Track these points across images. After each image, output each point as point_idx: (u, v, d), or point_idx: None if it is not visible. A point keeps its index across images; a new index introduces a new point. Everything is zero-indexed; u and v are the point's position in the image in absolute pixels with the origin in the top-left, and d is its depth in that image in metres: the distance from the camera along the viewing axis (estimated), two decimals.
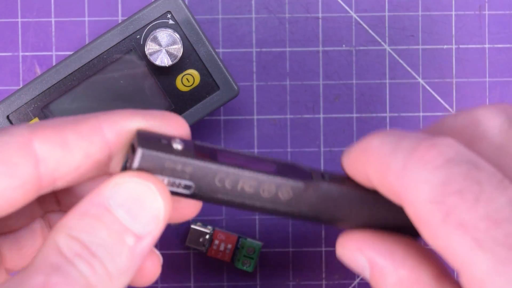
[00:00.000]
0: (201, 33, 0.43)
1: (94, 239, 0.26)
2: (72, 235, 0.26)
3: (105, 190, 0.27)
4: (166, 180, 0.27)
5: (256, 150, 0.48)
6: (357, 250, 0.28)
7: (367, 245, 0.28)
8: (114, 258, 0.26)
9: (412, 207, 0.25)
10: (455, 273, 0.42)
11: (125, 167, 0.28)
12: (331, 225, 0.30)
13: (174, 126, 0.29)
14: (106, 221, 0.26)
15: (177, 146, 0.27)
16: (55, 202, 0.34)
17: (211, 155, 0.28)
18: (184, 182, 0.27)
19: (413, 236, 0.29)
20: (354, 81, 0.48)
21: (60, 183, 0.28)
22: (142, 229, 0.27)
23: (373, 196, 0.29)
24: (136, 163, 0.27)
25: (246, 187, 0.28)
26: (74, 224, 0.26)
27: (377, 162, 0.27)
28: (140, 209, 0.27)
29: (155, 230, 0.27)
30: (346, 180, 0.29)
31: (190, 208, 0.31)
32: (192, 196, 0.28)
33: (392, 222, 0.29)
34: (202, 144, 0.29)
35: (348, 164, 0.29)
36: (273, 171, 0.28)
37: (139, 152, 0.27)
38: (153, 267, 0.31)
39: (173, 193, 0.28)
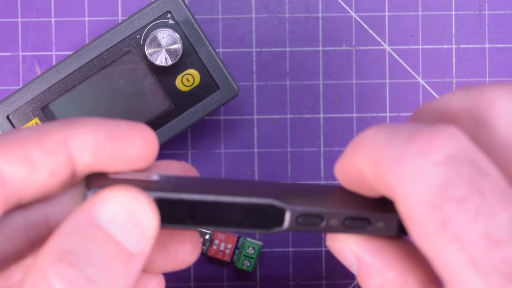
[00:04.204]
0: (201, 33, 0.43)
1: (89, 261, 0.23)
2: (64, 258, 0.23)
3: (91, 206, 0.25)
4: None
5: (256, 150, 0.48)
6: (346, 245, 0.27)
7: (357, 242, 0.27)
8: (112, 281, 0.23)
9: (406, 205, 0.23)
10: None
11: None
12: None
13: (141, 140, 0.27)
14: (99, 239, 0.24)
15: None
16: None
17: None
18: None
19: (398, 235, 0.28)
20: (354, 81, 0.48)
21: (25, 201, 0.26)
22: (135, 246, 0.25)
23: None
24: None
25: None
26: (64, 245, 0.24)
27: (370, 153, 0.24)
28: (132, 224, 0.25)
29: (147, 246, 0.25)
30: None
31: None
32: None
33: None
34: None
35: (340, 162, 0.27)
36: (240, 217, 0.27)
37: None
38: (190, 251, 0.29)
39: None
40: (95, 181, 0.26)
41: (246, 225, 0.27)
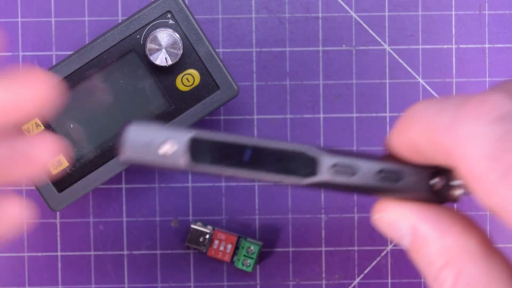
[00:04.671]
0: (201, 33, 0.43)
1: None
2: None
3: None
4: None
5: None
6: (399, 215, 0.27)
7: (410, 210, 0.27)
8: None
9: (466, 163, 0.24)
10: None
11: None
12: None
13: (36, 82, 0.26)
14: None
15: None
16: None
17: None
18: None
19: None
20: (354, 81, 0.48)
21: None
22: None
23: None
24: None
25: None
26: None
27: (423, 123, 0.26)
28: None
29: None
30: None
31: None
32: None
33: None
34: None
35: (394, 137, 0.28)
36: (274, 163, 0.28)
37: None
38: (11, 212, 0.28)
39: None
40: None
41: (280, 171, 0.28)
